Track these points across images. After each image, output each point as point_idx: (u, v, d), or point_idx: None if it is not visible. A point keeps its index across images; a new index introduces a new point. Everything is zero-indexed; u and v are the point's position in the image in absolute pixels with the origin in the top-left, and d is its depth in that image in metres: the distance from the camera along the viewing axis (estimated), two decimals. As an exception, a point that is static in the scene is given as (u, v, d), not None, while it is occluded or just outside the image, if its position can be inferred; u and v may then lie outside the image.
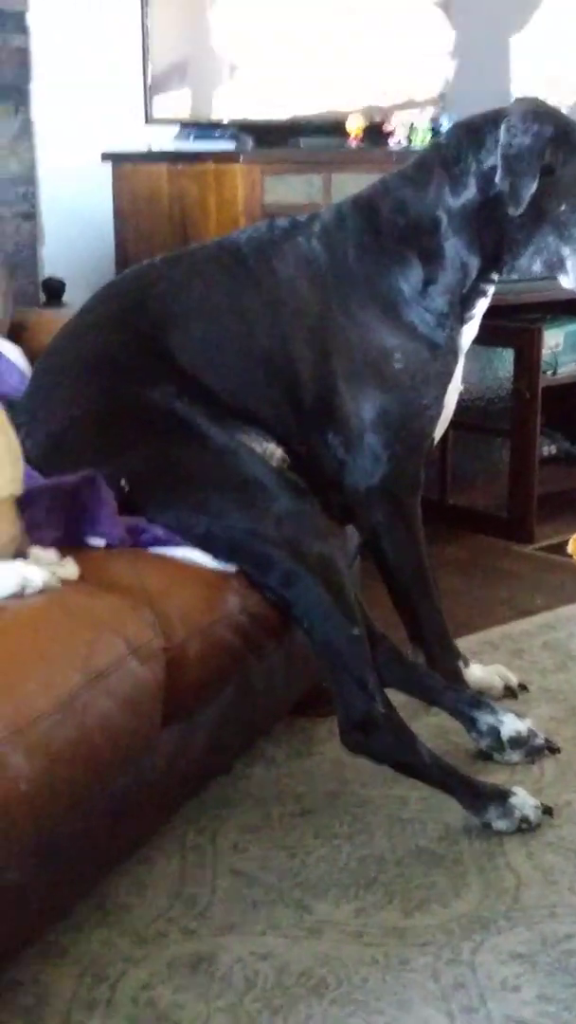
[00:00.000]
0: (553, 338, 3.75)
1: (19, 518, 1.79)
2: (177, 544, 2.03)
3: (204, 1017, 1.74)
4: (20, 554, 1.77)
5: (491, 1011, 1.74)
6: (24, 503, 1.92)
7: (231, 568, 2.04)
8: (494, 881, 2.03)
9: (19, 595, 1.71)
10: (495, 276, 2.42)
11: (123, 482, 2.06)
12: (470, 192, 2.34)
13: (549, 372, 3.74)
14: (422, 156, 2.43)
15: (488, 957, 1.85)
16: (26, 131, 3.52)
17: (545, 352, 3.65)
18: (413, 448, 2.36)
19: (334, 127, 3.71)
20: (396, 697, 2.16)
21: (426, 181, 2.36)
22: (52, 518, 1.95)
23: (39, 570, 1.75)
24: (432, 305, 2.36)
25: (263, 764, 2.42)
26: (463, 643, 2.68)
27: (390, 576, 2.42)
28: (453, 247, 2.36)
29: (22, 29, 3.45)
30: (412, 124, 3.70)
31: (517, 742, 2.35)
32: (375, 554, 2.41)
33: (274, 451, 2.29)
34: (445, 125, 3.73)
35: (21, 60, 3.47)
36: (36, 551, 1.85)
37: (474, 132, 2.35)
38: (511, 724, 2.35)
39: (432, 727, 2.46)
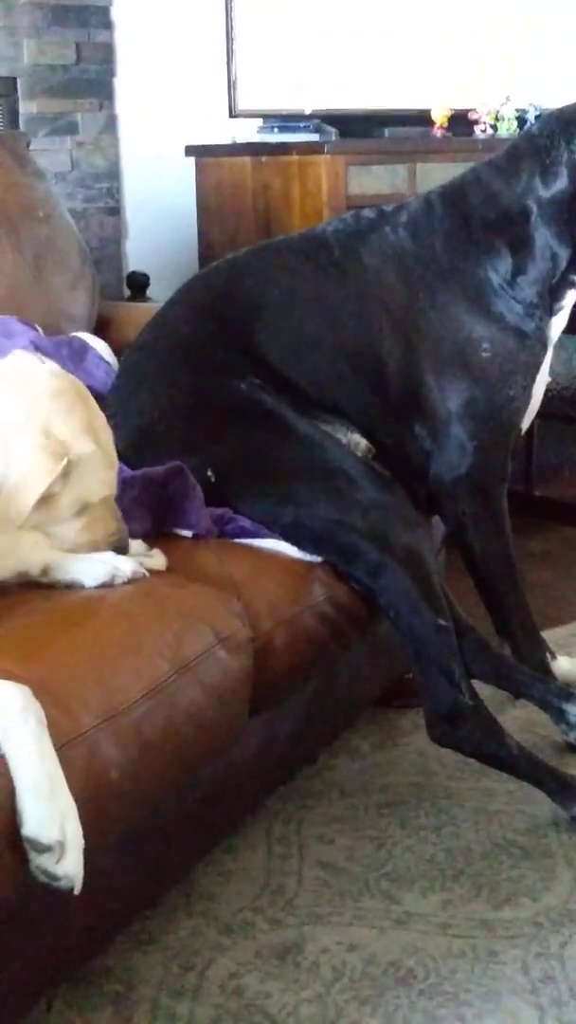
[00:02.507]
0: None
1: (118, 515, 1.80)
2: (263, 535, 2.04)
3: (292, 1006, 1.74)
4: (121, 549, 1.78)
5: (581, 1005, 1.73)
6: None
7: (317, 558, 2.04)
8: (583, 875, 2.02)
9: (109, 585, 1.72)
10: (585, 268, 2.39)
11: (210, 473, 2.07)
12: (561, 182, 2.31)
13: None
14: (514, 145, 2.40)
15: (578, 951, 1.84)
16: (111, 126, 3.54)
17: None
18: (500, 439, 2.34)
19: (419, 116, 3.69)
20: (482, 689, 2.14)
21: (517, 171, 2.34)
22: (140, 509, 1.96)
23: (128, 561, 1.76)
24: (521, 295, 2.34)
25: (348, 755, 2.42)
26: (550, 635, 2.65)
27: (476, 568, 2.40)
28: (543, 237, 2.33)
29: (107, 24, 3.48)
30: (498, 112, 3.67)
31: (606, 735, 2.32)
32: (461, 545, 2.39)
33: (359, 442, 2.29)
34: (531, 113, 3.70)
35: (106, 55, 3.50)
36: (124, 541, 1.86)
37: (567, 122, 2.32)
38: (601, 717, 2.32)
39: (519, 720, 2.45)
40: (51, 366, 1.79)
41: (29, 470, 1.65)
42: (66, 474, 1.68)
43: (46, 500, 1.67)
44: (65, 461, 1.67)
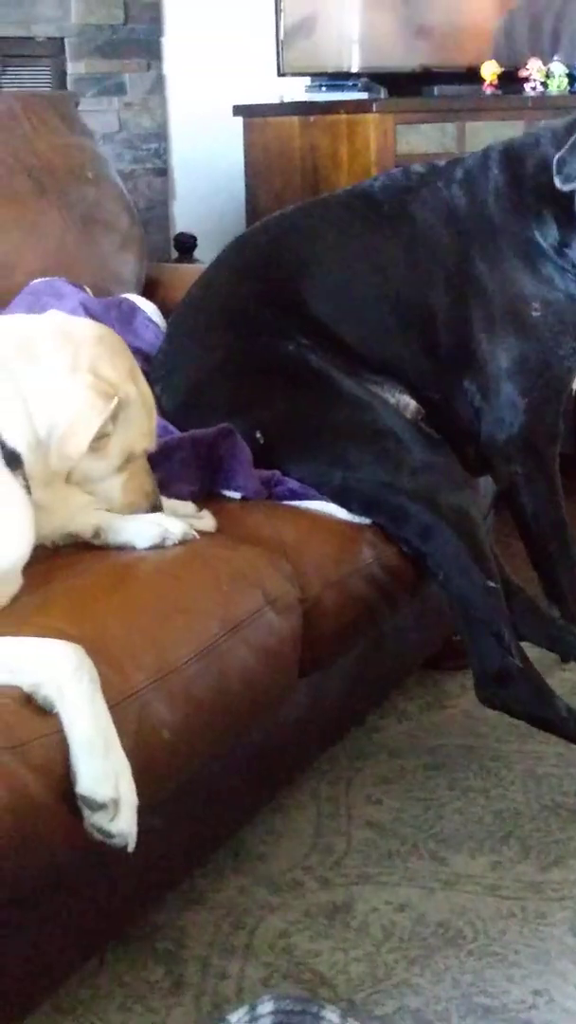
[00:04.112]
0: None
1: (152, 474, 1.80)
2: (312, 497, 2.03)
3: (341, 965, 1.75)
4: (155, 509, 1.78)
5: (630, 967, 1.73)
6: (161, 457, 1.94)
7: (366, 521, 2.04)
8: (632, 837, 2.01)
9: (160, 547, 1.72)
10: None
11: (258, 435, 2.06)
12: None
13: None
14: (574, 117, 2.35)
15: (627, 913, 1.84)
16: (159, 86, 3.53)
17: None
18: (551, 397, 2.31)
19: (468, 74, 3.64)
20: (531, 651, 2.13)
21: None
22: (189, 471, 1.96)
23: (178, 522, 1.76)
24: (569, 263, 2.30)
25: (396, 717, 2.42)
26: (599, 598, 2.64)
27: (527, 529, 2.38)
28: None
29: (155, -16, 3.46)
30: (549, 69, 3.61)
31: None
32: (512, 506, 2.37)
33: (408, 402, 2.27)
34: (583, 68, 3.64)
35: (154, 15, 3.48)
36: (174, 504, 1.87)
37: None
38: None
39: (568, 682, 2.44)
40: (87, 319, 1.77)
41: (81, 409, 1.63)
42: (115, 416, 1.67)
43: (96, 446, 1.66)
44: (115, 401, 1.66)
